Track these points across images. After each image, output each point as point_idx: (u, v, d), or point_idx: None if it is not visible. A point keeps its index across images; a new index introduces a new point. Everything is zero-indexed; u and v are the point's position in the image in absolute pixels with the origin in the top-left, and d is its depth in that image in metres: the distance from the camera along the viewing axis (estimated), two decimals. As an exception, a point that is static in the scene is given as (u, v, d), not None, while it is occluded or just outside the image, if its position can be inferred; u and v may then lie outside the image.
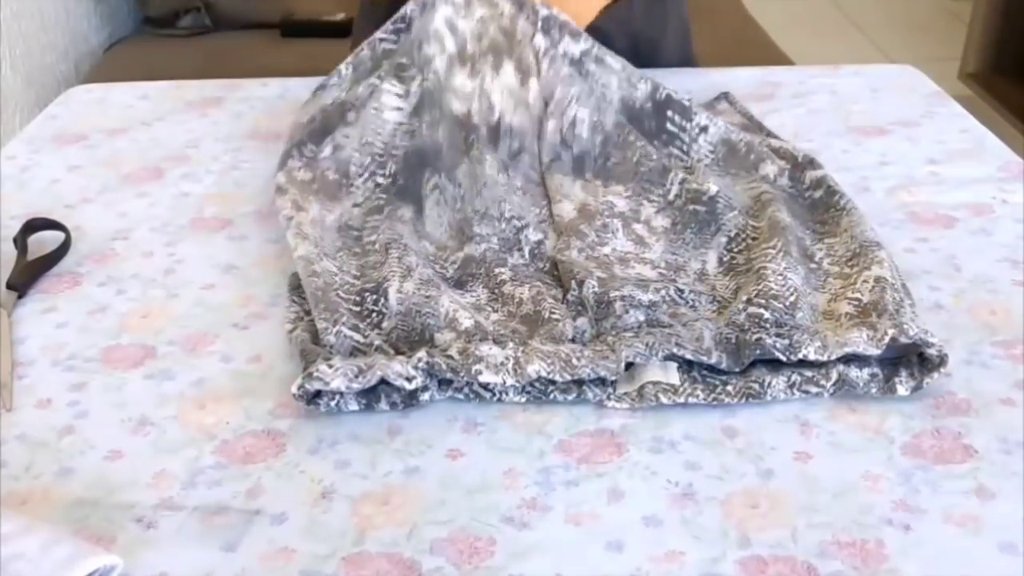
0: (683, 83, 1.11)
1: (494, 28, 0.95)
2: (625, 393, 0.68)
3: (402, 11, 0.97)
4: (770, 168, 0.89)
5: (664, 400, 0.67)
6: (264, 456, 0.64)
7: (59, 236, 0.86)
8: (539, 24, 0.94)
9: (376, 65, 0.97)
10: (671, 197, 0.86)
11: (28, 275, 0.81)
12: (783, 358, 0.67)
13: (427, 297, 0.73)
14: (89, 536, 0.58)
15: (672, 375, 0.68)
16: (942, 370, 0.67)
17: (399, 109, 0.92)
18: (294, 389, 0.65)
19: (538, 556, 0.57)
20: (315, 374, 0.65)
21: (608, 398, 0.68)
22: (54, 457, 0.64)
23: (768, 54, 1.94)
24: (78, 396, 0.69)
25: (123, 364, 0.72)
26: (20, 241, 0.84)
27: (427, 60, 0.94)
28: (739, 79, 1.13)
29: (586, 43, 0.96)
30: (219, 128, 1.08)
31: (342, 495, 0.61)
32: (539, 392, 0.68)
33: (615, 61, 0.96)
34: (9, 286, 0.80)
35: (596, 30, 1.16)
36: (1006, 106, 2.59)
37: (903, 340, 0.67)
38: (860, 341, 0.67)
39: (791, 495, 0.60)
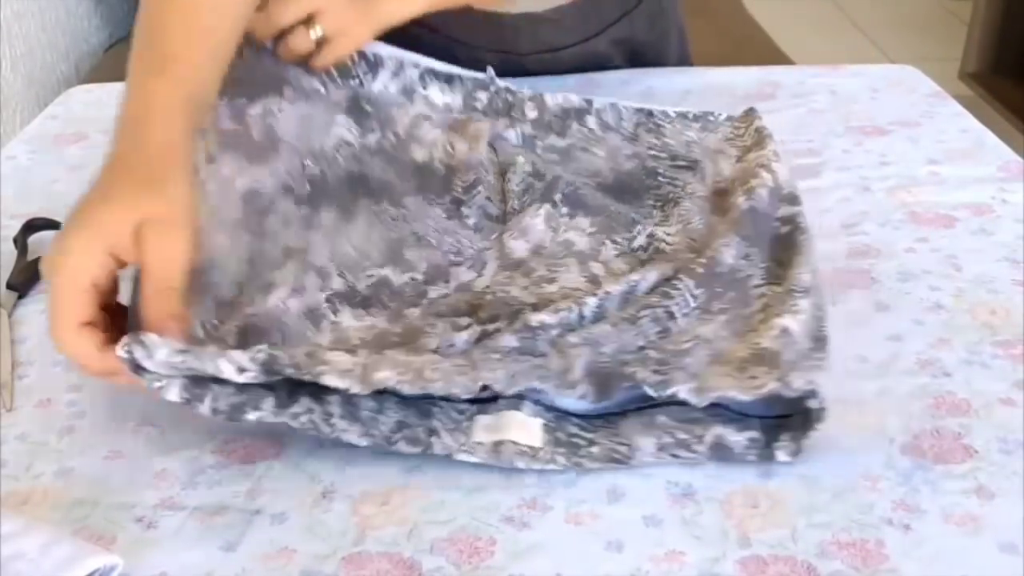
0: (683, 83, 1.12)
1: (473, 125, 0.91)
2: (479, 443, 0.62)
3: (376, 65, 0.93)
4: (755, 182, 0.81)
5: (520, 464, 0.61)
6: (264, 456, 0.64)
7: (59, 236, 0.86)
8: (521, 125, 0.92)
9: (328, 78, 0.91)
10: (634, 245, 0.79)
11: (28, 275, 0.81)
12: (652, 394, 0.62)
13: (303, 326, 0.68)
14: (89, 536, 0.58)
15: (535, 435, 0.62)
16: (818, 427, 0.61)
17: (350, 134, 0.86)
18: (119, 349, 0.60)
19: (538, 556, 0.57)
20: (142, 338, 0.60)
21: (461, 448, 0.62)
22: (54, 457, 0.64)
23: (768, 54, 1.93)
24: (78, 396, 0.69)
25: (123, 364, 0.72)
26: (20, 241, 0.84)
27: (390, 119, 0.89)
28: (739, 79, 1.13)
29: (570, 139, 0.92)
30: (219, 128, 1.08)
31: (342, 495, 0.61)
32: (383, 439, 0.62)
33: (601, 148, 0.91)
34: (9, 286, 0.80)
35: (596, 52, 1.15)
36: (1006, 106, 2.59)
37: (787, 393, 0.60)
38: (735, 389, 0.61)
39: (791, 495, 0.60)
